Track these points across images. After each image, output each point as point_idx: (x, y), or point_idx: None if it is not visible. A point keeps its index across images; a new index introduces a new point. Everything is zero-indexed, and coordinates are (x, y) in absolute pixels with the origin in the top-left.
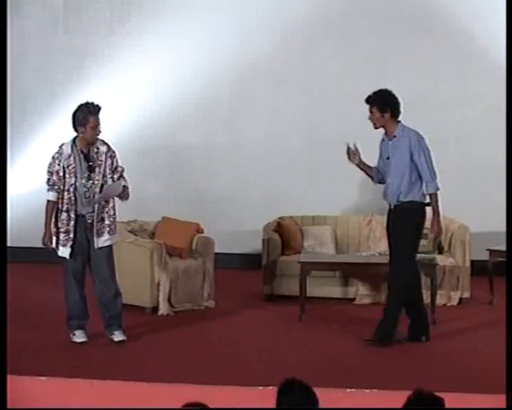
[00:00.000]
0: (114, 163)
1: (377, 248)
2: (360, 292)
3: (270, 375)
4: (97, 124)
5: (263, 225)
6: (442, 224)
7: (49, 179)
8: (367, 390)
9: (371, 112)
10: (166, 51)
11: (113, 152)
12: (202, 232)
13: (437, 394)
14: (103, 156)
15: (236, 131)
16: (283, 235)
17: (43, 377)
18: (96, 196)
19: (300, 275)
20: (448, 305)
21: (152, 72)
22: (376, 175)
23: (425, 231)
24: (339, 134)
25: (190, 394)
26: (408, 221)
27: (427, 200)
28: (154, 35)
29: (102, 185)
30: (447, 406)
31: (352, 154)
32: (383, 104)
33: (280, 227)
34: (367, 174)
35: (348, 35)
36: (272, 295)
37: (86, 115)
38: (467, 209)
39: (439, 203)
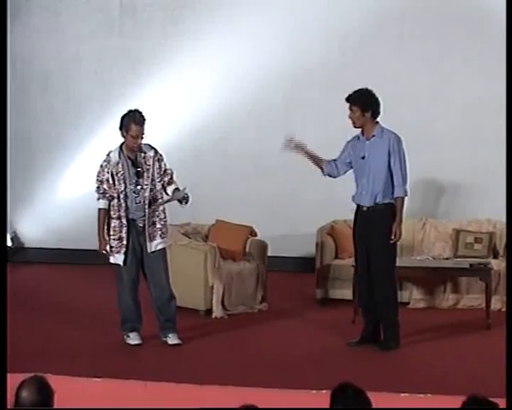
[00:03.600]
0: (162, 166)
1: (431, 252)
2: (414, 296)
3: (324, 378)
4: (139, 134)
5: (316, 228)
6: (497, 228)
7: (98, 188)
8: (421, 395)
9: (352, 110)
10: (221, 54)
11: (161, 155)
12: (255, 235)
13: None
14: (151, 161)
15: (290, 133)
16: (337, 238)
17: (97, 379)
18: (159, 200)
19: (354, 279)
20: (503, 310)
21: (206, 74)
22: (327, 166)
23: (479, 236)
24: None
25: (244, 396)
26: (387, 223)
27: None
28: (208, 38)
29: (152, 189)
30: None
31: (288, 142)
32: (365, 104)
33: (333, 231)
34: (316, 164)
35: (403, 37)
36: (325, 299)
37: (130, 123)
38: None
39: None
